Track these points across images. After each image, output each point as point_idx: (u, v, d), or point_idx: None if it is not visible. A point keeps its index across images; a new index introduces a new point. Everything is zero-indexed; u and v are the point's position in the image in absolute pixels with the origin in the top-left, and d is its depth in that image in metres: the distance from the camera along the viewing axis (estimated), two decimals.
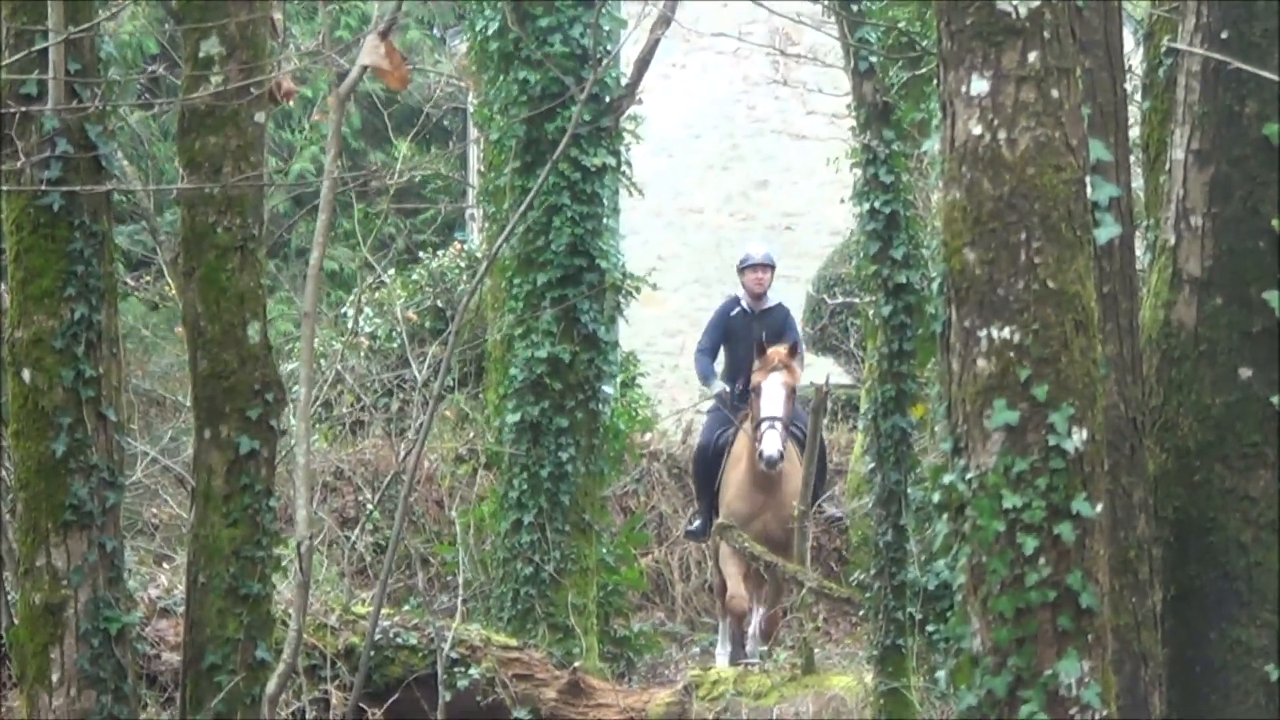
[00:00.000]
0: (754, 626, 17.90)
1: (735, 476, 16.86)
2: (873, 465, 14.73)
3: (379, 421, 20.43)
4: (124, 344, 8.01)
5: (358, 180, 22.43)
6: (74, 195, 7.60)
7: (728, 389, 17.27)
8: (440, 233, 24.51)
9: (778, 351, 16.96)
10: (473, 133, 18.78)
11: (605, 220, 17.55)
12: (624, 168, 17.81)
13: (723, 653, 18.53)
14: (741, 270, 18.55)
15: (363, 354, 21.45)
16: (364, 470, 19.14)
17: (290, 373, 8.40)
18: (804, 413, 17.24)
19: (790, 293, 26.87)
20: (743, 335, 17.77)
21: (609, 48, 17.75)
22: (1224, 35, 7.03)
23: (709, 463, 17.73)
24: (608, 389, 17.81)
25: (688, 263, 25.40)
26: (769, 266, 18.40)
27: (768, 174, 27.30)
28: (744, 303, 18.25)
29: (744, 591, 17.35)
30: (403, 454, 15.03)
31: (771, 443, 16.31)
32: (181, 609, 8.36)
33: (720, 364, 18.39)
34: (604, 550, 17.69)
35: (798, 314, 26.65)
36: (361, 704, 12.53)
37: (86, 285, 7.63)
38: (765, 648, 17.63)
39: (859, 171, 14.81)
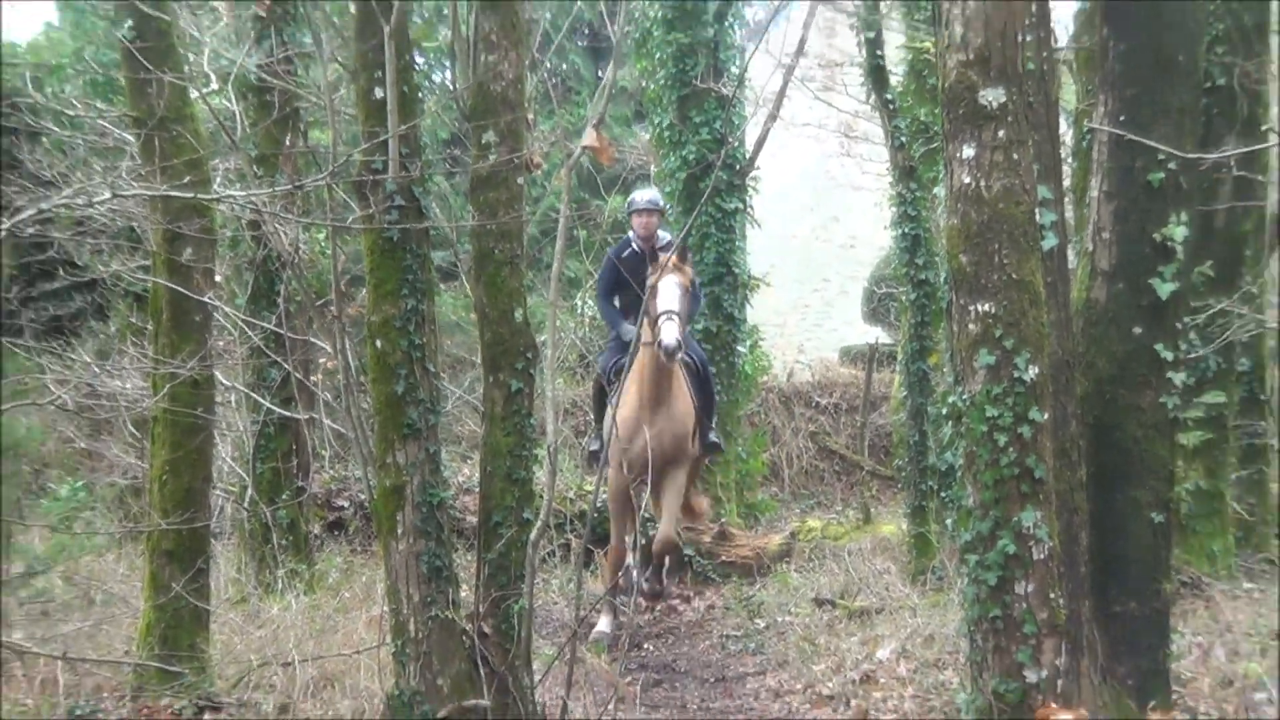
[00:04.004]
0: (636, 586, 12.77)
1: (628, 391, 12.57)
2: (905, 393, 14.71)
3: (596, 370, 20.61)
4: (438, 323, 8.05)
5: (582, 218, 22.60)
6: (406, 231, 7.66)
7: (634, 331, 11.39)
8: None
9: (668, 255, 11.96)
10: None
11: (738, 242, 17.55)
12: (749, 209, 17.82)
13: (605, 622, 13.10)
14: (629, 214, 13.93)
15: (587, 328, 21.51)
16: (587, 400, 19.15)
17: (542, 341, 8.43)
18: (694, 341, 14.21)
19: (853, 287, 26.91)
20: (638, 275, 13.27)
21: (737, 135, 17.73)
22: (1122, 118, 6.99)
23: (604, 389, 13.47)
24: (741, 348, 17.79)
25: (789, 268, 25.30)
26: (655, 210, 13.73)
27: (838, 212, 27.19)
28: (635, 244, 13.67)
29: (626, 545, 13.06)
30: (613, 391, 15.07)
31: (669, 332, 12.07)
32: (477, 488, 8.41)
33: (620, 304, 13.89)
34: (739, 448, 17.66)
35: (856, 304, 26.66)
36: (589, 546, 12.54)
37: (415, 287, 7.69)
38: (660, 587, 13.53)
39: (895, 209, 14.82)
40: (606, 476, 12.56)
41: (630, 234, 13.82)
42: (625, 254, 13.67)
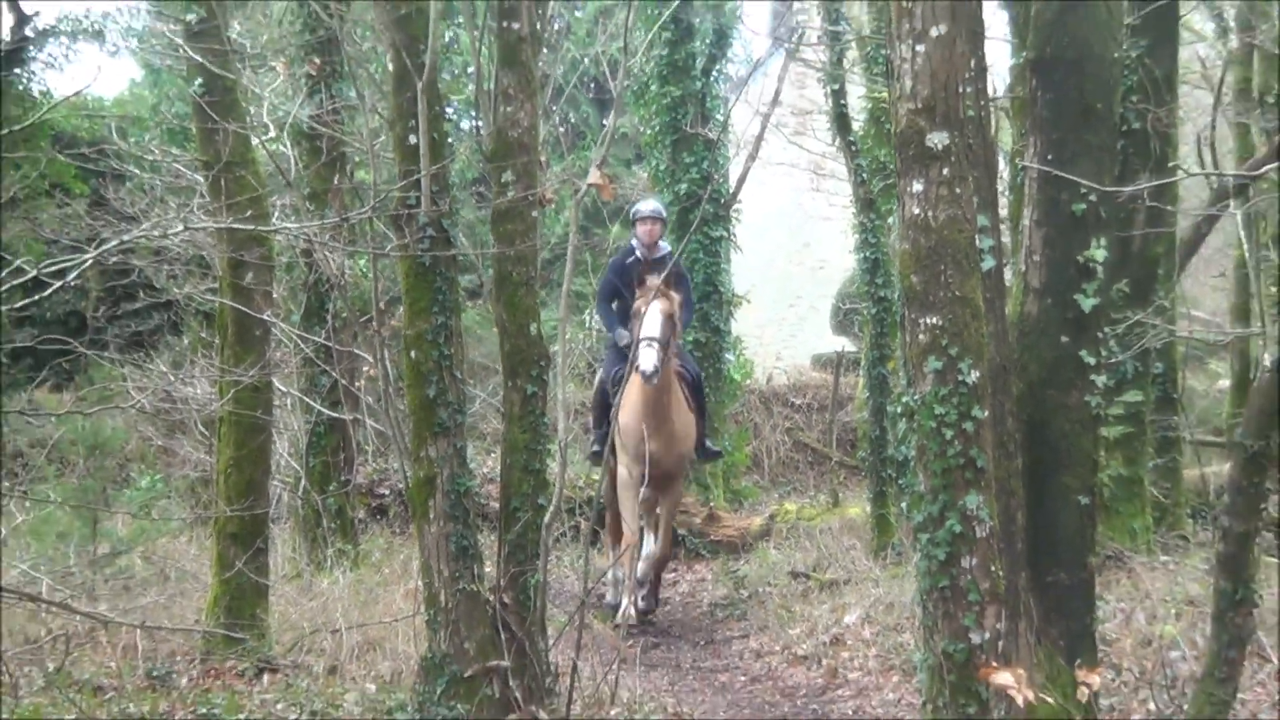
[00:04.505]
0: (639, 570, 12.51)
1: (629, 399, 11.88)
2: (867, 394, 14.74)
3: (599, 376, 20.51)
4: (464, 336, 8.04)
5: (589, 245, 22.58)
6: (436, 257, 7.65)
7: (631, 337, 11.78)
8: None
9: (655, 281, 11.55)
10: None
11: (723, 265, 17.60)
12: (732, 237, 17.88)
13: (613, 592, 12.99)
14: (634, 222, 13.06)
15: (594, 340, 21.48)
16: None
17: (554, 350, 8.44)
18: (688, 356, 13.61)
19: (822, 304, 26.91)
20: (635, 277, 12.40)
21: (721, 173, 17.80)
22: (1050, 157, 6.99)
23: (607, 394, 12.59)
24: (727, 356, 17.81)
25: (767, 288, 25.23)
26: (658, 219, 12.95)
27: (810, 239, 27.15)
28: (638, 251, 12.79)
29: (638, 526, 12.39)
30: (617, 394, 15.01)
31: (647, 359, 11.34)
32: (498, 478, 8.41)
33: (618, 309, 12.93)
34: (726, 442, 17.64)
35: (825, 318, 26.68)
36: (595, 528, 12.52)
37: (444, 305, 7.68)
38: (643, 595, 12.58)
39: (857, 236, 14.82)
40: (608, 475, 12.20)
41: (634, 241, 13.00)
42: (629, 261, 12.83)
